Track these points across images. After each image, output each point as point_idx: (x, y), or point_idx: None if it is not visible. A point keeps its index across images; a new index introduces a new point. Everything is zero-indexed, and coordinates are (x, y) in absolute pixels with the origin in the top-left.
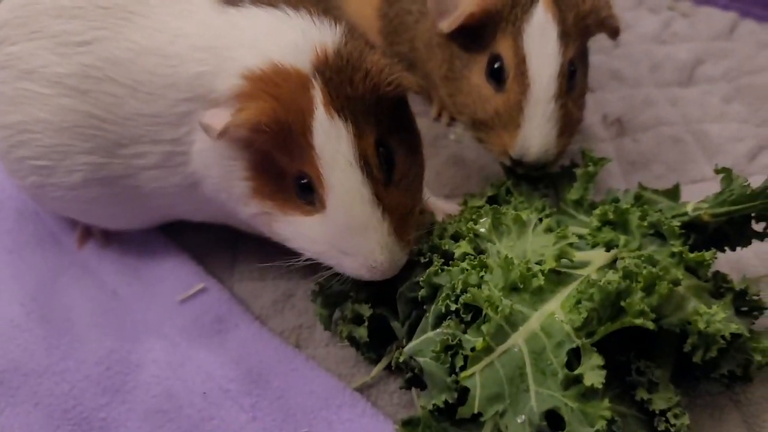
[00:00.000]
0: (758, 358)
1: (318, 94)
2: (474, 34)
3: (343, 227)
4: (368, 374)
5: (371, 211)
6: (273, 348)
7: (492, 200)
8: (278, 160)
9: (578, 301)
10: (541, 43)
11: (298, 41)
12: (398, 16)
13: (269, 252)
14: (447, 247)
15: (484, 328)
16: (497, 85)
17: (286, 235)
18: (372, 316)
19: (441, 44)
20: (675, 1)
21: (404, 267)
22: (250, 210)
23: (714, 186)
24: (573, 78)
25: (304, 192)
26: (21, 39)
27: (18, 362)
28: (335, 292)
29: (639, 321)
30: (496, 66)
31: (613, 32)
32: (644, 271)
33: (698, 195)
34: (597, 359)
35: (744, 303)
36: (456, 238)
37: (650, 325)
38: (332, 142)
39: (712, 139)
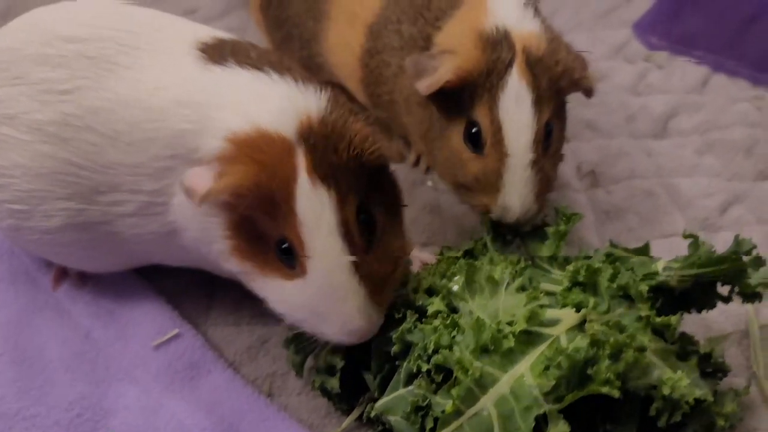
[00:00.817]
0: (721, 422)
1: (302, 161)
2: (452, 99)
3: (323, 293)
4: (339, 425)
5: (350, 278)
6: (245, 397)
7: (468, 253)
8: (260, 223)
9: (547, 367)
10: (516, 111)
11: (283, 107)
12: (378, 67)
13: (245, 297)
14: (421, 302)
15: (453, 391)
16: (475, 150)
17: (266, 296)
18: (344, 367)
19: (420, 103)
20: (651, 52)
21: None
22: (230, 267)
23: (684, 241)
24: (549, 137)
25: (285, 256)
26: (3, 84)
27: None
28: (308, 340)
29: (605, 389)
30: (473, 131)
31: (588, 92)
32: (611, 339)
33: (670, 249)
34: (563, 426)
35: (709, 365)
36: (430, 292)
37: (615, 393)
38: (315, 210)
39: (684, 193)
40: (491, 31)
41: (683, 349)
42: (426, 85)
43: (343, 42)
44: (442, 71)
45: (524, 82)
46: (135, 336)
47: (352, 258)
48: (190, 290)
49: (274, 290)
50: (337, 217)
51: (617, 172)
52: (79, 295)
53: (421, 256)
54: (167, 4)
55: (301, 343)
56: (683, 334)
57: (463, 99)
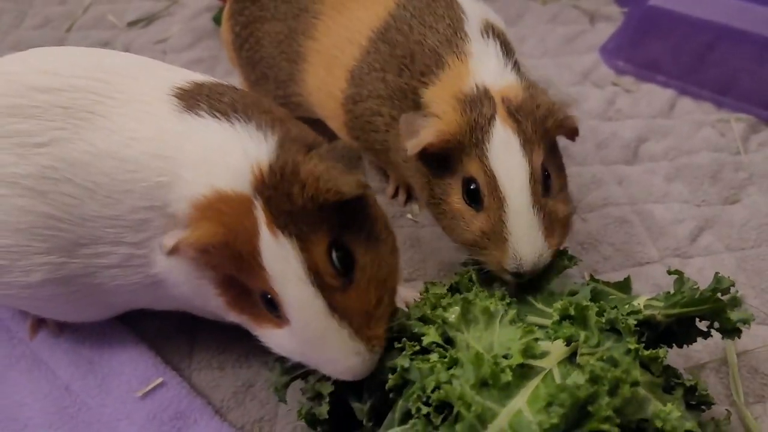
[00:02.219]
0: None
1: (260, 215)
2: (443, 160)
3: (305, 340)
4: None
5: (328, 321)
6: None
7: (453, 289)
8: (241, 278)
9: (549, 404)
10: (506, 156)
11: (238, 164)
12: (365, 115)
13: (229, 338)
14: (416, 329)
15: (458, 427)
16: (476, 206)
17: (267, 343)
18: (332, 393)
19: (418, 169)
20: (618, 77)
21: None
22: (231, 319)
23: (659, 269)
24: (548, 180)
25: (270, 306)
26: None
27: None
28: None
29: (605, 426)
30: (471, 188)
31: (572, 133)
32: (609, 375)
33: (644, 278)
34: None
35: (693, 398)
36: (422, 320)
37: (615, 430)
38: (279, 261)
39: (657, 221)
40: (471, 92)
41: (668, 381)
42: (411, 145)
43: (323, 86)
44: (424, 134)
45: (509, 128)
46: (117, 386)
47: (325, 301)
48: (172, 334)
49: (270, 338)
50: (303, 264)
51: (591, 201)
52: (57, 344)
53: (404, 293)
54: (137, 35)
55: (287, 363)
56: (667, 367)
57: (453, 159)
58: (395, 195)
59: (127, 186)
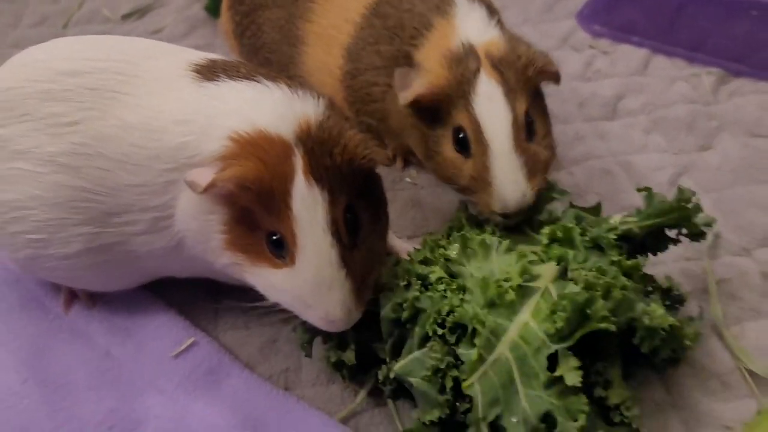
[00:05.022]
0: (687, 342)
1: (299, 162)
2: (435, 113)
3: (310, 283)
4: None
5: (337, 271)
6: (265, 393)
7: (448, 234)
8: (255, 216)
9: (553, 311)
10: (490, 105)
11: (282, 111)
12: (363, 87)
13: (250, 300)
14: (420, 270)
15: (476, 341)
16: (465, 153)
17: (254, 283)
18: (357, 340)
19: (414, 125)
20: (595, 39)
21: (385, 290)
22: (222, 260)
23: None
24: (532, 126)
25: (275, 247)
26: (10, 122)
27: (22, 429)
28: None
29: (603, 325)
30: (460, 137)
31: (555, 77)
32: (601, 281)
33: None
34: (573, 362)
35: (669, 298)
36: (425, 263)
37: (612, 327)
38: (308, 208)
39: (637, 170)
40: (457, 49)
41: (647, 287)
42: (403, 96)
43: (322, 65)
44: (415, 86)
45: (492, 80)
46: (153, 349)
47: (338, 253)
48: (198, 301)
49: (264, 279)
50: (328, 215)
51: (576, 155)
52: (92, 315)
53: (406, 247)
54: (132, 27)
55: (310, 324)
56: (645, 275)
57: (443, 111)
58: (393, 162)
59: (153, 152)
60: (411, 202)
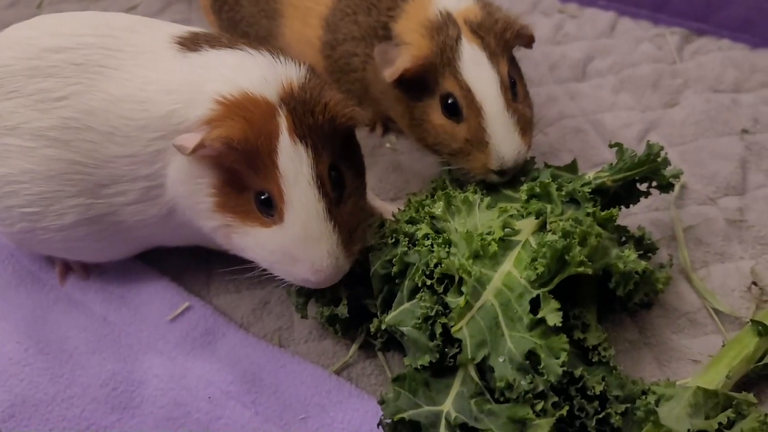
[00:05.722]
0: (659, 286)
1: (283, 122)
2: (419, 84)
3: (299, 237)
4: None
5: (325, 224)
6: (261, 350)
7: (432, 194)
8: (242, 177)
9: (533, 259)
10: (476, 69)
11: (265, 75)
12: (343, 57)
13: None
14: (407, 229)
15: (464, 289)
16: (456, 118)
17: (243, 245)
18: (349, 295)
19: (397, 97)
20: (563, 4)
21: (374, 250)
22: (212, 223)
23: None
24: (515, 87)
25: (264, 206)
26: (0, 99)
27: (25, 395)
28: None
29: (581, 269)
30: (449, 102)
31: (529, 40)
32: (577, 230)
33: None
34: (554, 304)
35: (641, 247)
36: (411, 222)
37: (589, 271)
38: (294, 164)
39: (607, 127)
40: (436, 18)
41: (620, 236)
42: (389, 73)
43: (300, 36)
44: (399, 61)
45: (475, 45)
46: (149, 314)
47: (325, 206)
48: (189, 268)
49: (253, 238)
50: (313, 171)
51: (549, 115)
52: (88, 285)
53: (390, 208)
54: (107, 5)
55: (303, 286)
56: (618, 226)
57: (428, 81)
58: (373, 129)
59: (142, 123)
60: (392, 166)
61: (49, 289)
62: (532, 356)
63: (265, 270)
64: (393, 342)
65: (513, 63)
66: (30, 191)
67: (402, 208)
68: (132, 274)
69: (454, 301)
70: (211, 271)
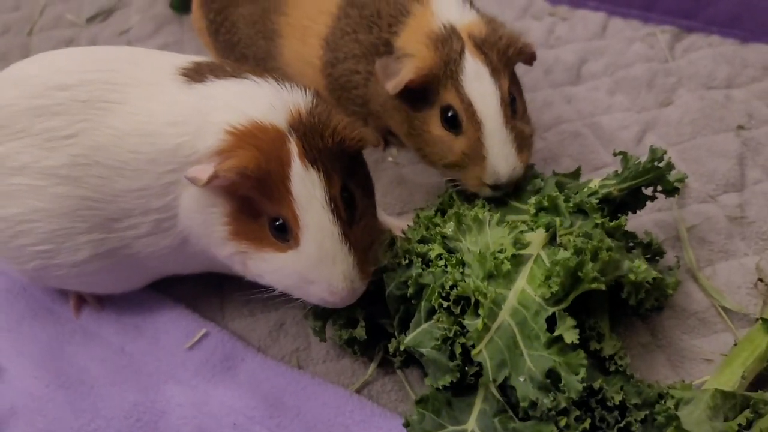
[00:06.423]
0: (669, 291)
1: (294, 148)
2: (421, 94)
3: (315, 260)
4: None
5: (340, 245)
6: (281, 373)
7: (440, 210)
8: (256, 204)
9: (548, 277)
10: (478, 84)
11: (273, 102)
12: (344, 75)
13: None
14: (420, 249)
15: (481, 311)
16: (455, 130)
17: (259, 270)
18: (365, 317)
19: (396, 107)
20: (553, 7)
21: (387, 270)
22: (227, 251)
23: (612, 169)
24: (514, 103)
25: (279, 231)
26: (5, 139)
27: (50, 430)
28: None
29: (594, 285)
30: (449, 115)
31: (531, 58)
32: (589, 245)
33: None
34: (570, 321)
35: (649, 252)
36: (423, 242)
37: (602, 287)
38: (307, 189)
39: (605, 130)
40: (440, 30)
41: (628, 243)
42: (392, 85)
43: (299, 56)
44: (404, 73)
45: (478, 59)
46: (166, 343)
47: (339, 228)
48: (202, 293)
49: (268, 263)
50: (326, 194)
51: (546, 120)
52: (102, 317)
53: (398, 224)
54: (99, 30)
55: (319, 309)
56: (626, 232)
57: (430, 92)
58: (376, 144)
59: (150, 156)
60: (395, 180)
61: (64, 322)
62: (551, 374)
63: (278, 292)
64: (411, 359)
65: (514, 79)
66: (42, 229)
67: (410, 224)
68: (146, 304)
69: (471, 323)
70: (224, 296)
